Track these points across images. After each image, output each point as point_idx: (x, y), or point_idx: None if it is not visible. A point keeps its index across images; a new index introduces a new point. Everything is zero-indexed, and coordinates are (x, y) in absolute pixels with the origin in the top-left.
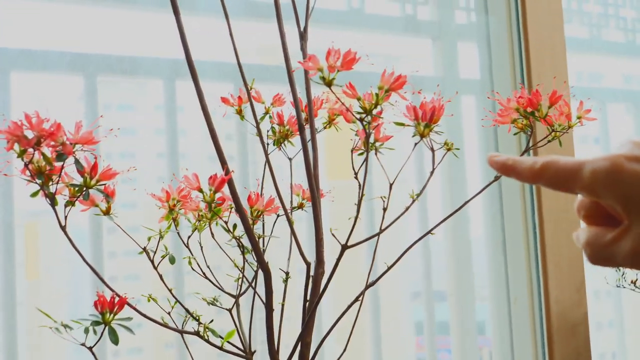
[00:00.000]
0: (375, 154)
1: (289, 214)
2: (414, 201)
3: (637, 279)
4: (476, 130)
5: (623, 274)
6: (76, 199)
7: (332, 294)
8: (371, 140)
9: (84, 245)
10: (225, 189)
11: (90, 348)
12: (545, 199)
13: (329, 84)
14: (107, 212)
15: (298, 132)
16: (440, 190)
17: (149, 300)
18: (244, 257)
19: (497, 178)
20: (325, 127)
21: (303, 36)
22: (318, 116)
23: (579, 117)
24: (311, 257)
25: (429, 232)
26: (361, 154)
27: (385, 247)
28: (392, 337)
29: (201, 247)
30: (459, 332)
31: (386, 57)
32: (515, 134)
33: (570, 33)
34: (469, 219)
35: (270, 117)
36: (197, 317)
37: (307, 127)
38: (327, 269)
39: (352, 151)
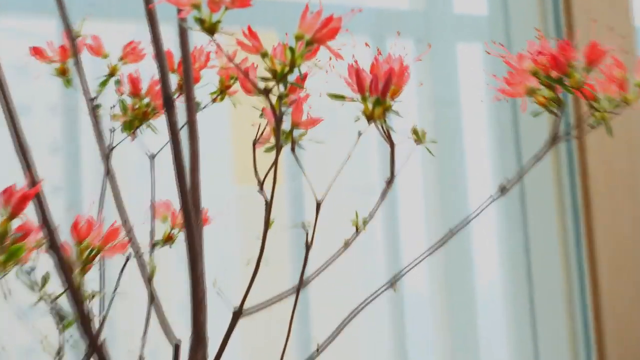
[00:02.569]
0: (292, 149)
1: (142, 255)
2: (358, 233)
3: None
4: (484, 104)
5: None
6: None
7: None
8: (286, 126)
9: None
10: (34, 213)
11: None
12: (599, 213)
13: (210, 29)
14: None
15: (163, 110)
16: (425, 211)
17: None
18: (62, 332)
19: (503, 190)
20: (214, 100)
21: None
22: (202, 81)
23: (638, 86)
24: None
25: (394, 281)
26: (269, 149)
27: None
28: None
29: None
30: None
31: None
32: (535, 115)
33: None
34: (472, 257)
35: (117, 82)
36: None
37: (181, 102)
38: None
39: (254, 145)
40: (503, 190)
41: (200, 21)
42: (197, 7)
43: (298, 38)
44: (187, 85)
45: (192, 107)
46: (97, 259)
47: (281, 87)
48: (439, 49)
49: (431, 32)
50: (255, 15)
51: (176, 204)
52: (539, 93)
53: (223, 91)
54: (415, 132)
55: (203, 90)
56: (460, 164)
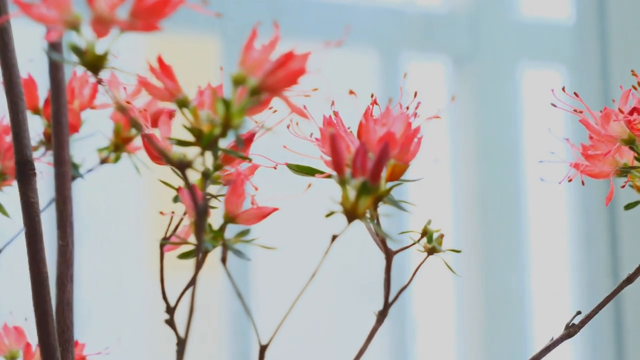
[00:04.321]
0: (223, 259)
1: None
2: None
3: None
4: (558, 173)
5: None
6: None
7: None
8: (218, 216)
9: None
10: None
11: None
12: None
13: (93, 64)
14: None
15: (16, 178)
16: (457, 348)
17: None
18: None
19: (572, 331)
20: (104, 161)
21: None
22: (84, 129)
23: None
24: None
25: None
26: (185, 255)
27: None
28: None
29: None
30: None
31: None
32: (629, 208)
33: None
34: None
35: None
36: None
37: (44, 161)
38: None
39: (161, 248)
40: (572, 330)
41: (78, 51)
42: (74, 27)
43: (237, 82)
44: (57, 139)
45: (64, 175)
46: None
47: (208, 158)
48: (492, 73)
49: (480, 47)
50: (190, 14)
51: (33, 333)
52: (636, 174)
53: (119, 147)
54: (427, 234)
55: (87, 144)
56: (518, 273)
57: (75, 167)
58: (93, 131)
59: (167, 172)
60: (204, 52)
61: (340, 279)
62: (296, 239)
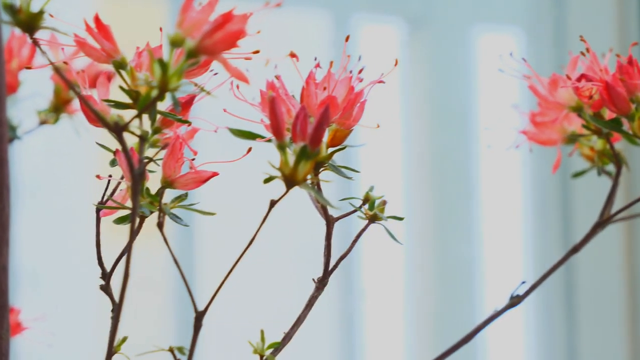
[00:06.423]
0: (159, 224)
1: None
2: None
3: None
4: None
5: None
6: None
7: None
8: (156, 179)
9: None
10: None
11: None
12: None
13: (27, 23)
14: None
15: None
16: (407, 320)
17: None
18: None
19: (516, 301)
20: (43, 122)
21: None
22: (22, 89)
23: None
24: None
25: None
26: (122, 219)
27: None
28: None
29: None
30: None
31: None
32: (576, 176)
33: None
34: None
35: None
36: None
37: None
38: None
39: (97, 212)
40: (515, 300)
41: (12, 10)
42: None
43: (175, 43)
44: None
45: (1, 136)
46: None
47: (145, 122)
48: (447, 37)
49: (435, 9)
50: None
51: None
52: (584, 142)
53: (59, 108)
54: (369, 201)
55: (27, 105)
56: (470, 241)
57: (13, 128)
58: (32, 92)
59: (110, 135)
60: (151, 15)
61: (285, 246)
62: (240, 205)
